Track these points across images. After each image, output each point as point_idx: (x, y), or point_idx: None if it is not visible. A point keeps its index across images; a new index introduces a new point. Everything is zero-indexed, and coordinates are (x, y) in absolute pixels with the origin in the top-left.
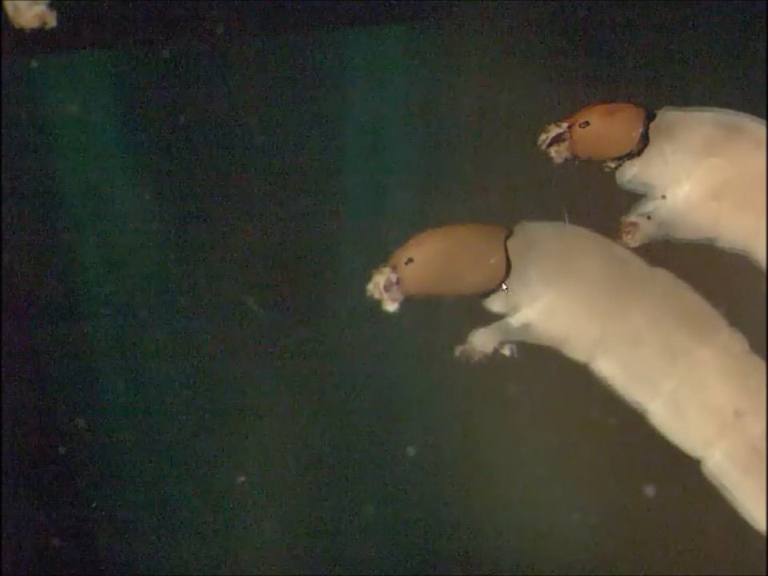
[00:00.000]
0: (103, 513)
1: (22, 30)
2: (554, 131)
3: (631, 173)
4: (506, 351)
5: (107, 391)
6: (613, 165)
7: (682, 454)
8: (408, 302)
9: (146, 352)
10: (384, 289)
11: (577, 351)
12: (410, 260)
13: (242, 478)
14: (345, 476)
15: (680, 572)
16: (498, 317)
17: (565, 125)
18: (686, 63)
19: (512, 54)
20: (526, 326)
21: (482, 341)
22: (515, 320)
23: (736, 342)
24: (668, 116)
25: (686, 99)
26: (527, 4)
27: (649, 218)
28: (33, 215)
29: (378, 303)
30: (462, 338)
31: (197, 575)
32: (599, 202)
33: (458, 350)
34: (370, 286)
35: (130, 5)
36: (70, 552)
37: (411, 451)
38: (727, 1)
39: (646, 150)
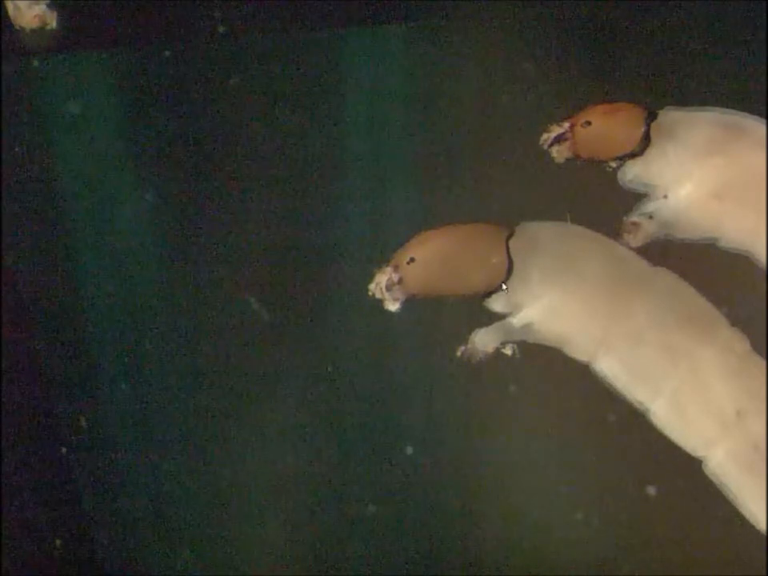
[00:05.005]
0: (103, 513)
1: (22, 30)
2: (556, 131)
3: (633, 172)
4: (508, 351)
5: (107, 391)
6: (614, 165)
7: (683, 453)
8: (410, 302)
9: (147, 352)
10: (386, 288)
11: (578, 351)
12: (412, 259)
13: (243, 478)
14: (345, 475)
15: (680, 572)
16: (500, 317)
17: (566, 124)
18: (686, 63)
19: (512, 53)
20: (527, 326)
21: (483, 341)
22: (517, 320)
23: (737, 342)
24: (669, 116)
25: (686, 99)
26: (527, 4)
27: (650, 217)
28: (33, 215)
29: (379, 303)
30: (463, 338)
31: (197, 575)
32: (601, 201)
33: (460, 350)
34: (372, 286)
35: (131, 5)
36: (70, 552)
37: (411, 450)
38: (727, 1)
39: (647, 150)
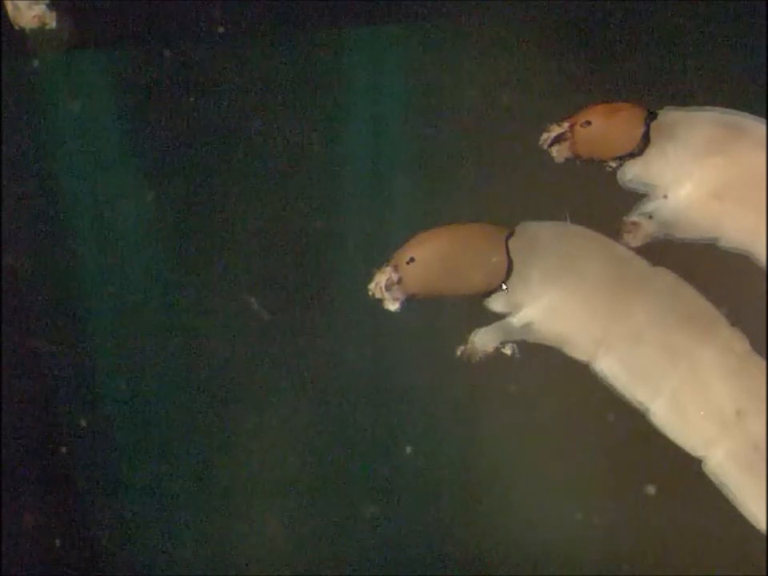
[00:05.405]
0: (103, 513)
1: (22, 30)
2: (556, 131)
3: (632, 172)
4: (507, 351)
5: (107, 391)
6: (614, 164)
7: (683, 453)
8: (409, 302)
9: (147, 352)
10: (385, 288)
11: (578, 351)
12: (412, 259)
13: (242, 478)
14: (345, 475)
15: (680, 572)
16: (499, 316)
17: (566, 124)
18: (686, 63)
19: (512, 53)
20: (527, 326)
21: (483, 340)
22: (516, 319)
23: (737, 342)
24: (669, 116)
25: (686, 99)
26: (527, 4)
27: (650, 217)
28: (33, 215)
29: (379, 303)
30: (463, 338)
31: (197, 575)
32: (600, 201)
33: (460, 350)
34: (372, 286)
35: (131, 5)
36: (70, 552)
37: (410, 450)
38: (727, 1)
39: (647, 150)
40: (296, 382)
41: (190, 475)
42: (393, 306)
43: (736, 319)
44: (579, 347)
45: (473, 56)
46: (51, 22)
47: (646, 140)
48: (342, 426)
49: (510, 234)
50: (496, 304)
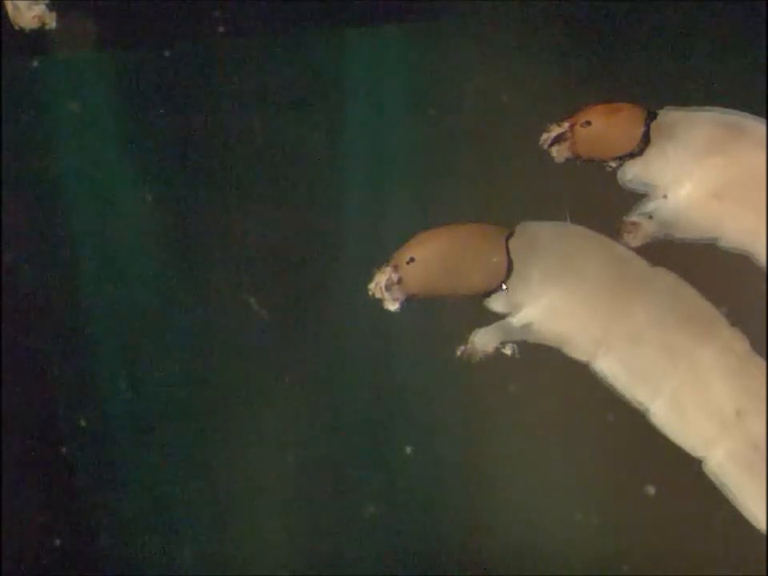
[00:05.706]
0: (103, 513)
1: (21, 30)
2: (556, 131)
3: (632, 172)
4: (508, 351)
5: (107, 391)
6: (614, 164)
7: (682, 453)
8: (409, 302)
9: (147, 352)
10: (385, 288)
11: (578, 351)
12: (412, 259)
13: (242, 478)
14: (345, 475)
15: (680, 572)
16: (499, 316)
17: (566, 124)
18: (686, 63)
19: (512, 53)
20: (527, 326)
21: (483, 340)
22: (516, 320)
23: (737, 342)
24: (669, 116)
25: (686, 99)
26: (527, 4)
27: (650, 217)
28: (33, 215)
29: (379, 303)
30: (463, 338)
31: (197, 575)
32: (600, 201)
33: (460, 350)
34: (372, 286)
35: (130, 5)
36: (70, 552)
37: (410, 450)
38: (727, 1)
39: (647, 150)
40: (296, 382)
41: (190, 475)
42: (393, 306)
43: (736, 319)
44: (579, 347)
45: (473, 56)
46: (51, 21)
47: (646, 140)
48: (342, 426)
49: (510, 234)
50: (496, 304)
